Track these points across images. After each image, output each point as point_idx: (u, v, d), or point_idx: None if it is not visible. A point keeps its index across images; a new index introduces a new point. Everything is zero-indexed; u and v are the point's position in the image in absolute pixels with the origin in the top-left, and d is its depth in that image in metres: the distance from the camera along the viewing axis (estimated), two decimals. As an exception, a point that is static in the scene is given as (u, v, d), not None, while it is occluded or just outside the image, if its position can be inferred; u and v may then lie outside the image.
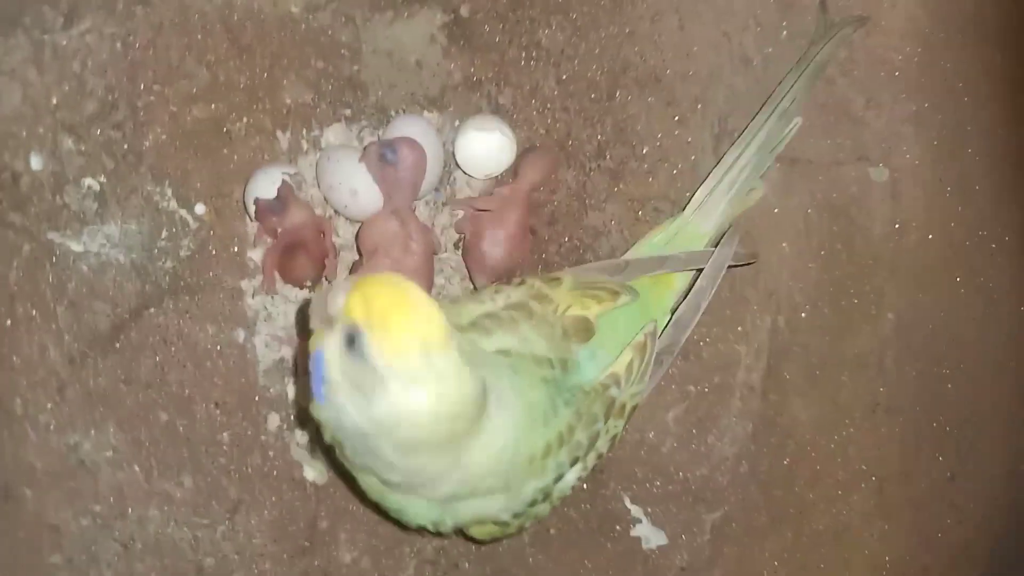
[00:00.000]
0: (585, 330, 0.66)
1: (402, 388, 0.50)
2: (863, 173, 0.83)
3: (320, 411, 0.56)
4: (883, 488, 0.83)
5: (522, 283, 0.69)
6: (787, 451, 0.84)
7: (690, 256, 0.75)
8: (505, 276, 0.80)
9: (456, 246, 0.83)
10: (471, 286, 0.83)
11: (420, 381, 0.50)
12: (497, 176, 0.82)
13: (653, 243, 0.78)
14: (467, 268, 0.82)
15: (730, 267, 0.76)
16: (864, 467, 0.83)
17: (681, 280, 0.76)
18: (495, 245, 0.79)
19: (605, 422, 0.66)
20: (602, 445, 0.67)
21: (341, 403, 0.53)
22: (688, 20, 0.83)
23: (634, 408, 0.70)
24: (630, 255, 0.78)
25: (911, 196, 0.83)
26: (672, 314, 0.75)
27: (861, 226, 0.83)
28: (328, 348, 0.53)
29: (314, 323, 0.56)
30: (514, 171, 0.81)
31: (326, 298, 0.54)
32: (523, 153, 0.81)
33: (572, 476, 0.66)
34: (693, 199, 0.78)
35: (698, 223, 0.77)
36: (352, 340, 0.51)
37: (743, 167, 0.77)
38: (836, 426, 0.84)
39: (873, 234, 0.83)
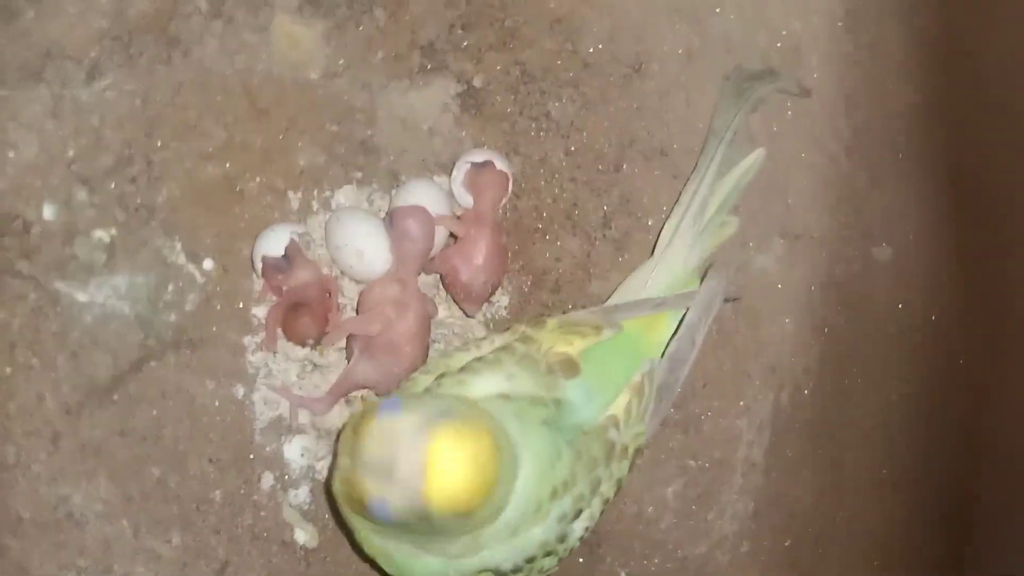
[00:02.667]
0: (569, 366, 0.67)
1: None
2: (866, 251, 0.84)
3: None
4: (890, 569, 0.82)
5: (507, 328, 0.71)
6: (790, 531, 0.82)
7: (679, 297, 0.75)
8: (491, 296, 0.82)
9: (438, 287, 0.84)
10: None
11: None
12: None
13: (632, 286, 0.78)
14: (454, 301, 0.82)
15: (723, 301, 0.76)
16: (869, 548, 0.82)
17: (672, 321, 0.75)
18: (474, 275, 0.79)
19: (607, 466, 0.66)
20: (607, 490, 0.66)
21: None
22: (695, 97, 0.85)
23: (638, 450, 0.69)
24: (615, 300, 0.78)
25: (914, 275, 0.83)
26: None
27: (864, 303, 0.83)
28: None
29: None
30: (472, 193, 0.81)
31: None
32: (475, 173, 0.81)
33: (580, 527, 0.65)
34: (660, 239, 0.78)
35: (673, 261, 0.77)
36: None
37: (704, 199, 0.77)
38: (839, 505, 0.82)
39: (876, 312, 0.83)
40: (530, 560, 0.63)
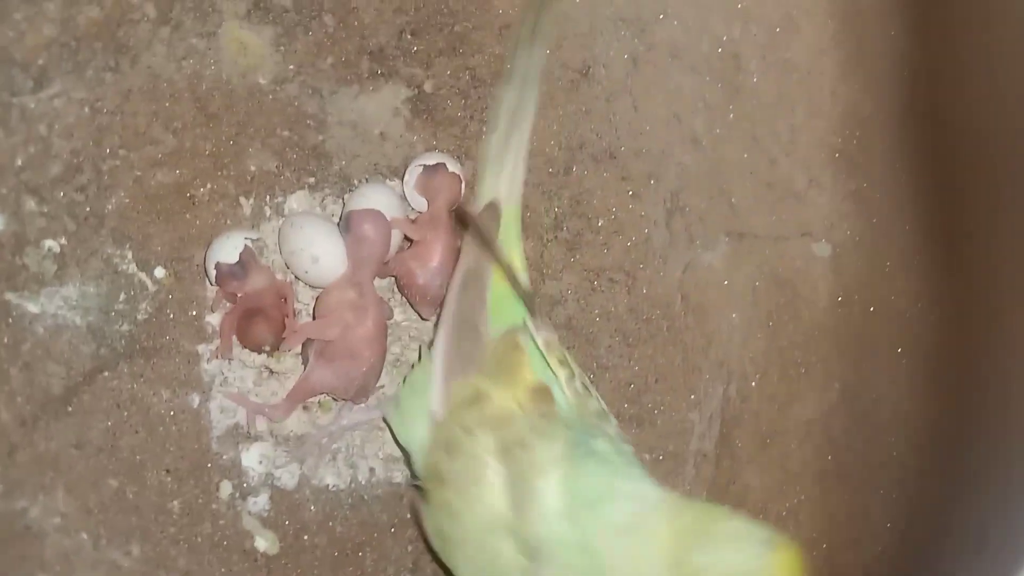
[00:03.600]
0: (544, 396, 0.67)
1: None
2: (807, 248, 0.87)
3: None
4: (833, 556, 0.85)
5: (445, 440, 0.67)
6: (740, 518, 0.85)
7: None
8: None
9: (393, 290, 0.85)
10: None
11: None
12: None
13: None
14: (409, 304, 0.83)
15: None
16: (815, 534, 0.85)
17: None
18: (430, 278, 0.80)
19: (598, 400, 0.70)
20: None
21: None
22: (641, 101, 0.87)
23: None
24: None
25: (853, 270, 0.87)
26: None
27: (806, 298, 0.87)
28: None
29: None
30: (426, 197, 0.82)
31: None
32: (427, 177, 0.82)
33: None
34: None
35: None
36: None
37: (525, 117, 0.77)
38: (787, 493, 0.86)
39: (818, 306, 0.87)
40: None
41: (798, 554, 0.59)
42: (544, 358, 0.69)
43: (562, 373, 0.69)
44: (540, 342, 0.69)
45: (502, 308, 0.72)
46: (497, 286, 0.73)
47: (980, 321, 0.78)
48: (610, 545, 0.60)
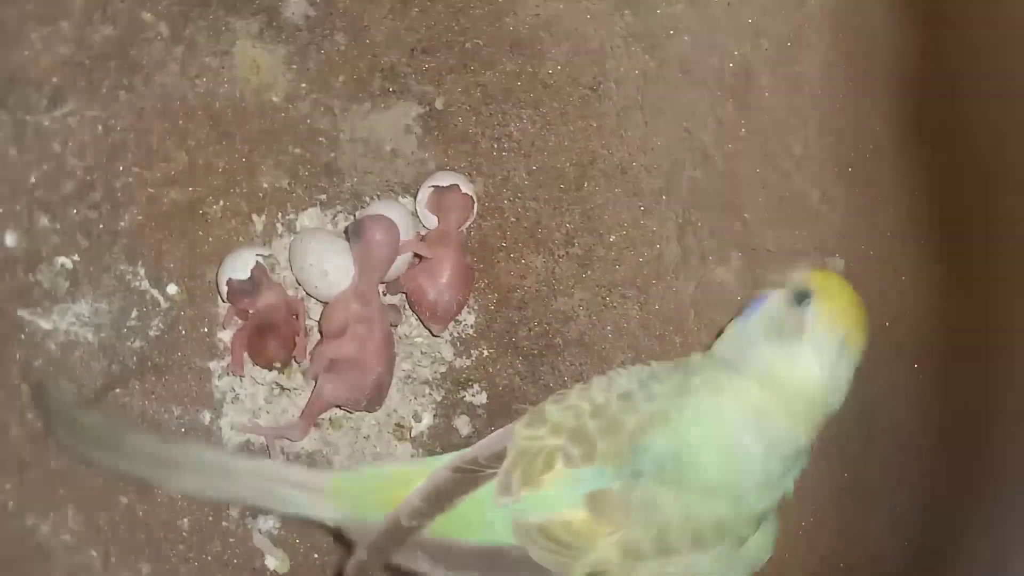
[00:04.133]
0: (599, 502, 0.63)
1: (811, 350, 0.62)
2: (820, 262, 0.86)
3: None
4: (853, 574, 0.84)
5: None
6: (755, 537, 0.84)
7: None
8: (458, 314, 0.83)
9: (404, 307, 0.85)
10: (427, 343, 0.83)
11: (823, 356, 0.62)
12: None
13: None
14: (420, 320, 0.83)
15: None
16: (832, 553, 0.84)
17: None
18: (440, 293, 0.80)
19: None
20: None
21: (752, 333, 0.64)
22: (652, 116, 0.87)
23: None
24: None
25: (867, 284, 0.85)
26: None
27: (820, 314, 0.86)
28: (774, 295, 0.65)
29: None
30: (438, 214, 0.83)
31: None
32: (439, 195, 0.82)
33: None
34: None
35: None
36: (803, 297, 0.63)
37: None
38: (803, 512, 0.84)
39: (832, 322, 0.86)
40: None
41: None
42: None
43: (561, 469, 0.63)
44: (519, 497, 0.63)
45: (484, 525, 0.64)
46: (453, 527, 0.65)
47: (997, 334, 0.78)
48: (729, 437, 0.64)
